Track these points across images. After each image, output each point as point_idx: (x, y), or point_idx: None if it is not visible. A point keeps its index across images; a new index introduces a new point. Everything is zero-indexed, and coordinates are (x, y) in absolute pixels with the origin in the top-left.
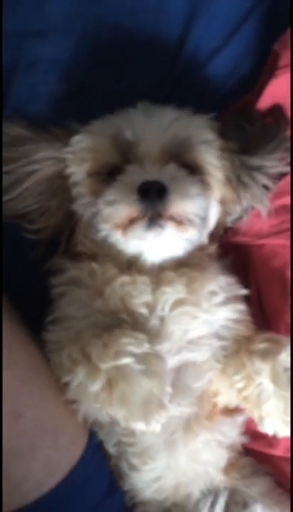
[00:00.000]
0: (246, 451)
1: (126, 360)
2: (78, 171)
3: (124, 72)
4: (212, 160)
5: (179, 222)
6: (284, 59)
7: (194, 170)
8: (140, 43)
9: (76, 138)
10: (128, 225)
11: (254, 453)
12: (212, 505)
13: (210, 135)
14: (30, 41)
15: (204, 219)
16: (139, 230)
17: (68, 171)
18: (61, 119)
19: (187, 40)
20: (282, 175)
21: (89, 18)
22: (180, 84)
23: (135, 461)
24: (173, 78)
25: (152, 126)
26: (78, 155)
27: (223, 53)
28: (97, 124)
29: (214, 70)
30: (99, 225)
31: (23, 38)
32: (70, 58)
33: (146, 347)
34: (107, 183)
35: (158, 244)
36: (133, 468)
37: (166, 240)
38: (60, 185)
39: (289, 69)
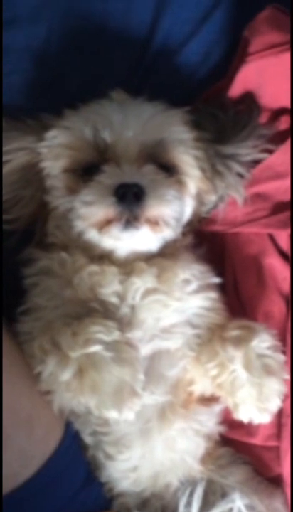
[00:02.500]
0: (225, 440)
1: (96, 348)
2: (53, 166)
3: (96, 60)
4: (188, 159)
5: (155, 223)
6: (254, 45)
7: (170, 169)
8: (111, 30)
9: (51, 133)
10: (104, 225)
11: (233, 442)
12: (191, 494)
13: (185, 132)
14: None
15: (179, 219)
16: (114, 230)
17: (42, 164)
18: (35, 107)
19: (158, 26)
20: (256, 162)
21: (58, 6)
22: (153, 70)
23: (110, 450)
24: (146, 65)
25: (130, 126)
26: (54, 150)
27: (195, 39)
28: (72, 117)
29: (186, 57)
30: (74, 221)
31: None
32: (41, 46)
33: (116, 334)
34: (83, 181)
35: (133, 243)
36: (109, 457)
37: (140, 239)
38: (33, 175)
39: (260, 55)
